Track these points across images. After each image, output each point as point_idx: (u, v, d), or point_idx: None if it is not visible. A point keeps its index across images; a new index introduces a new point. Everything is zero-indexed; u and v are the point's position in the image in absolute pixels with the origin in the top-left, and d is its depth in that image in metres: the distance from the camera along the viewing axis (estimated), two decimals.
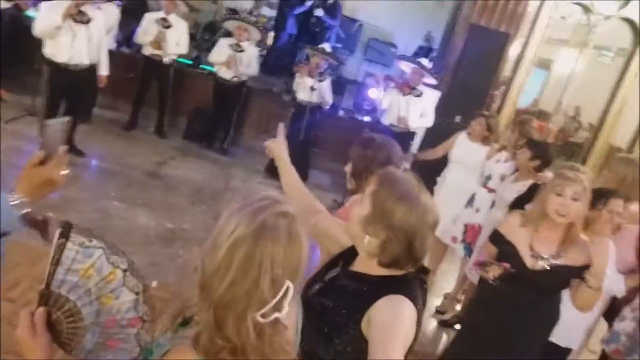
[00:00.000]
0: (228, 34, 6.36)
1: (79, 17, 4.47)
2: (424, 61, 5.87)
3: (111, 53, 5.98)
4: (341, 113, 6.94)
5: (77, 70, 4.67)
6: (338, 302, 1.46)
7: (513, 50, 6.82)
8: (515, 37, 6.84)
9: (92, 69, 4.82)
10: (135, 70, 6.23)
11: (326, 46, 6.04)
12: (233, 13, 7.99)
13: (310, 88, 5.63)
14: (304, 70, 5.79)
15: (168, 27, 5.88)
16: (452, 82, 6.26)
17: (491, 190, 3.98)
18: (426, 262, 1.70)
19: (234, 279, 0.96)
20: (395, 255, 1.39)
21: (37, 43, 4.72)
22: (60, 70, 4.61)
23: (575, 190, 2.23)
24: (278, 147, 1.86)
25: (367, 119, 6.85)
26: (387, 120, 5.82)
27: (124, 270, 1.12)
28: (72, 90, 4.77)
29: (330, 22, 8.21)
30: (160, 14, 5.91)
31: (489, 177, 4.10)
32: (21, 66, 5.91)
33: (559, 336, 2.59)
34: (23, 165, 1.36)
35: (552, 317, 2.42)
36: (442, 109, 6.22)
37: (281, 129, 1.90)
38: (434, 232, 1.47)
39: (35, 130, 4.86)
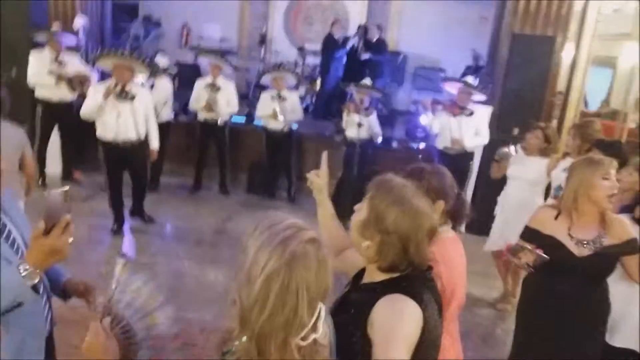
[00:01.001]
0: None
1: (122, 95, 4.72)
2: (470, 79, 5.81)
3: (170, 123, 6.42)
4: (395, 144, 6.93)
5: (128, 145, 4.88)
6: (347, 316, 1.47)
7: (566, 54, 6.60)
8: (564, 39, 6.63)
9: (142, 142, 4.99)
10: (194, 136, 6.60)
11: (367, 81, 6.12)
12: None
13: (357, 124, 5.70)
14: (350, 108, 5.90)
15: (217, 90, 6.21)
16: (502, 95, 6.10)
17: None
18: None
19: (273, 310, 1.01)
20: (391, 259, 1.42)
21: None
22: (111, 147, 4.86)
23: (614, 167, 2.28)
24: (320, 180, 1.85)
25: (422, 146, 6.80)
26: (441, 144, 5.76)
27: None
28: (127, 164, 5.03)
29: (376, 59, 8.38)
30: (208, 79, 6.26)
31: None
32: (91, 148, 6.43)
33: (624, 338, 2.52)
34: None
35: (605, 306, 2.40)
36: (497, 124, 6.06)
37: (324, 157, 1.87)
38: (432, 237, 1.47)
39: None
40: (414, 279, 1.44)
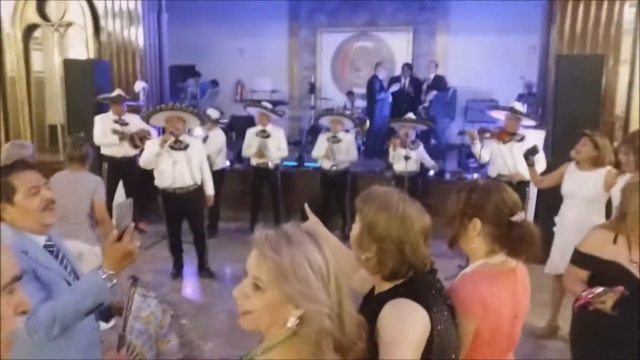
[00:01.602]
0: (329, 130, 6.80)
1: (176, 145, 5.00)
2: (517, 104, 5.70)
3: (225, 170, 6.70)
4: (448, 176, 6.85)
5: (184, 191, 5.10)
6: None
7: (621, 73, 6.39)
8: (617, 59, 6.43)
9: (198, 188, 5.20)
10: (248, 182, 6.83)
11: (410, 115, 6.16)
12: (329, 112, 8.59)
13: (404, 158, 5.71)
14: (396, 143, 5.94)
15: (267, 136, 6.45)
16: (555, 118, 5.94)
17: None
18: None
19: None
20: (391, 265, 1.42)
21: None
22: (169, 195, 5.11)
23: None
24: (313, 227, 1.83)
25: (475, 176, 6.67)
26: (493, 172, 5.62)
27: (172, 316, 1.27)
28: (185, 210, 5.23)
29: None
30: (259, 127, 6.53)
31: None
32: (154, 200, 6.78)
33: None
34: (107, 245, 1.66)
35: None
36: (553, 148, 5.88)
37: (307, 208, 2.00)
38: (427, 237, 1.45)
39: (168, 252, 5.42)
40: (418, 283, 1.43)
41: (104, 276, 1.65)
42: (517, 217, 1.64)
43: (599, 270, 2.20)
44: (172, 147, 4.98)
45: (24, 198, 1.79)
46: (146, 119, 5.35)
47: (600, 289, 2.07)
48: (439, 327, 1.35)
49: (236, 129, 8.41)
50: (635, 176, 3.32)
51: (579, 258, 2.31)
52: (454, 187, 1.80)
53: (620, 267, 2.14)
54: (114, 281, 1.66)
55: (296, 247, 1.12)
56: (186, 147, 5.04)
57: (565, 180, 4.17)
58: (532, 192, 5.86)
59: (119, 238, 1.63)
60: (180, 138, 5.03)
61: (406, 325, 1.33)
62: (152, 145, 5.12)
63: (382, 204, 1.44)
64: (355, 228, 1.49)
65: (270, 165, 6.51)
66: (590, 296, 2.07)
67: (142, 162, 5.17)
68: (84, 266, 2.29)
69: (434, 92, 8.59)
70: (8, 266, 0.77)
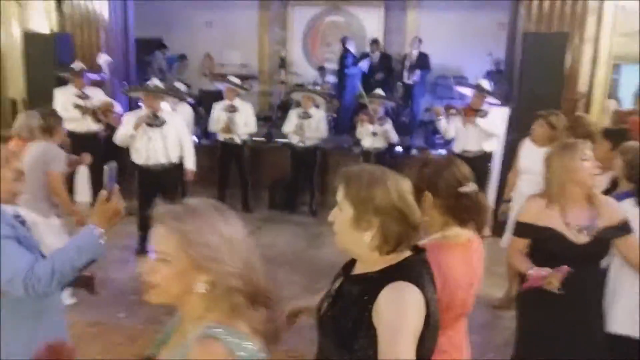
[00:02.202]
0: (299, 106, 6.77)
1: (153, 121, 4.94)
2: (483, 82, 5.76)
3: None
4: (414, 152, 6.92)
5: (159, 169, 5.07)
6: (346, 309, 1.45)
7: (585, 51, 6.48)
8: (582, 37, 6.52)
9: (173, 166, 5.17)
10: (215, 158, 6.77)
11: (379, 91, 6.16)
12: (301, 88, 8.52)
13: (372, 134, 5.74)
14: (364, 119, 5.95)
15: (234, 111, 6.38)
16: (519, 95, 6.01)
17: None
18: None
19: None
20: (397, 233, 1.41)
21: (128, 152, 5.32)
22: (143, 171, 5.08)
23: (589, 148, 2.22)
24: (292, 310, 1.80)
25: (442, 152, 6.75)
26: (458, 148, 5.70)
27: None
28: (159, 187, 5.12)
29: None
30: (226, 102, 6.45)
31: None
32: (123, 175, 6.68)
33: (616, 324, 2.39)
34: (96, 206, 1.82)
35: (603, 287, 2.33)
36: (517, 124, 5.97)
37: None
38: (417, 196, 1.52)
39: (135, 227, 5.36)
40: (413, 264, 1.44)
41: (97, 234, 1.77)
42: (466, 188, 1.72)
43: (537, 237, 2.31)
44: (148, 124, 4.92)
45: None
46: (126, 93, 5.24)
47: (545, 272, 2.15)
48: (431, 308, 1.38)
49: (205, 103, 8.28)
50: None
51: (518, 228, 2.42)
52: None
53: (554, 231, 2.25)
54: (104, 239, 1.79)
55: (201, 216, 1.16)
56: (162, 123, 4.98)
57: (522, 156, 4.28)
58: (495, 167, 5.98)
59: (107, 199, 1.77)
60: (158, 114, 4.98)
61: (408, 311, 1.34)
62: (127, 123, 5.04)
63: (370, 179, 1.43)
64: (344, 213, 1.45)
65: (238, 140, 6.46)
66: (538, 282, 2.16)
67: (118, 140, 5.12)
68: (39, 238, 2.27)
69: (417, 72, 8.54)
70: None
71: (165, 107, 5.66)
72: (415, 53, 8.70)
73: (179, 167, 5.26)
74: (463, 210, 1.72)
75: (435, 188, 1.71)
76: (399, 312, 1.33)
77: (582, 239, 2.23)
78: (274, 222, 6.41)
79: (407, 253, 1.46)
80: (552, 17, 6.56)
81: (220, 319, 1.16)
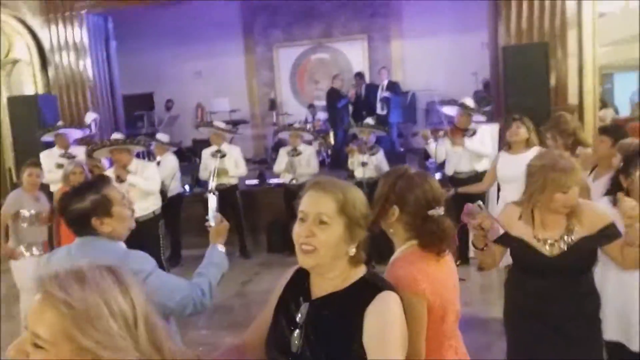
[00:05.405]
0: None
1: (118, 180, 4.78)
2: (467, 100, 5.68)
3: (181, 195, 6.55)
4: None
5: (137, 222, 4.97)
6: (326, 336, 1.36)
7: (571, 65, 6.43)
8: (564, 48, 6.47)
9: (153, 218, 5.11)
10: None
11: (369, 120, 6.12)
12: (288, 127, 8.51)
13: (362, 164, 5.65)
14: (354, 150, 5.89)
15: (223, 156, 6.32)
16: (506, 110, 5.93)
17: None
18: None
19: None
20: (368, 243, 1.44)
21: None
22: None
23: (577, 179, 2.07)
24: None
25: (437, 175, 6.61)
26: (450, 170, 5.59)
27: None
28: (139, 242, 5.04)
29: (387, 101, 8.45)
30: (213, 148, 6.40)
31: None
32: None
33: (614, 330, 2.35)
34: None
35: (595, 299, 2.18)
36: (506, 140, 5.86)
37: None
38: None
39: None
40: (376, 273, 1.48)
41: (223, 250, 2.17)
42: (434, 212, 1.67)
43: (510, 246, 2.23)
44: (119, 181, 4.84)
45: (120, 207, 1.99)
46: (90, 154, 5.21)
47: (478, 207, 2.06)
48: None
49: (199, 153, 8.26)
50: (541, 152, 3.34)
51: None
52: None
53: (524, 242, 2.16)
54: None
55: (92, 287, 0.92)
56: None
57: (499, 168, 4.27)
58: (493, 189, 5.83)
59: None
60: (129, 168, 4.92)
61: (393, 324, 1.33)
62: None
63: (352, 188, 1.48)
64: (334, 229, 1.38)
65: (227, 184, 6.37)
66: (465, 218, 2.06)
67: None
68: None
69: (385, 94, 8.51)
70: None
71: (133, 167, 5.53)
72: (385, 83, 8.68)
73: (157, 218, 5.16)
74: (427, 234, 1.65)
75: (403, 203, 1.67)
76: (386, 326, 1.33)
77: (554, 250, 2.11)
78: (273, 267, 6.24)
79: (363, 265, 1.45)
80: (532, 32, 6.55)
81: None
